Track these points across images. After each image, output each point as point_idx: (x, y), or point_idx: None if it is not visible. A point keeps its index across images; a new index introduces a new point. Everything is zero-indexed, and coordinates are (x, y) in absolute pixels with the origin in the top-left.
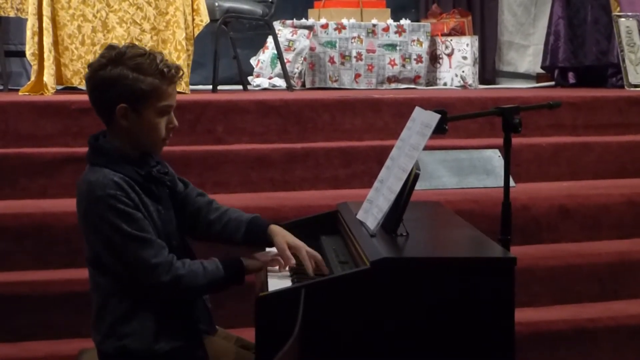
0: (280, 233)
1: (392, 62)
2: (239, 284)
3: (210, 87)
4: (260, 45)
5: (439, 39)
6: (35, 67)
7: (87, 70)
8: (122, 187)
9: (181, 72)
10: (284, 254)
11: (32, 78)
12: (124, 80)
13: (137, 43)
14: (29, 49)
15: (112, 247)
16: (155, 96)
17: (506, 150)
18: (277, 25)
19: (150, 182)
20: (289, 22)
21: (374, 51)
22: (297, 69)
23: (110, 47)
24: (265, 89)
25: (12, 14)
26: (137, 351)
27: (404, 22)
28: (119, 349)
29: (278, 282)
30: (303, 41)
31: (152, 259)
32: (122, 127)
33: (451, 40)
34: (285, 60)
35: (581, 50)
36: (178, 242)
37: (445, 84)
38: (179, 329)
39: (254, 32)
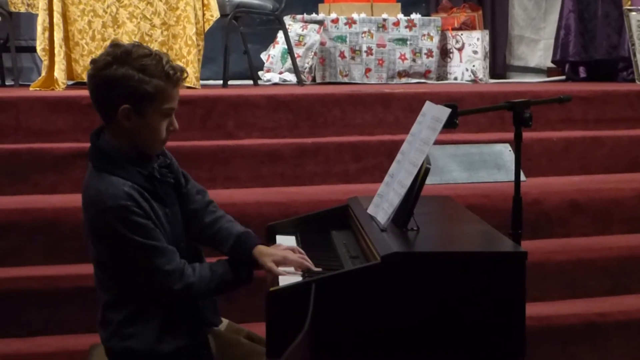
0: (264, 254)
1: (403, 57)
2: (248, 283)
3: (221, 82)
4: (270, 40)
5: (449, 34)
6: (45, 63)
7: (90, 66)
8: (132, 197)
9: (185, 74)
10: (276, 273)
11: (43, 73)
12: (129, 81)
13: (147, 38)
14: (40, 44)
15: (123, 257)
16: (160, 98)
17: (517, 145)
18: (287, 20)
19: (155, 183)
20: (299, 16)
21: (384, 46)
22: (308, 63)
23: (115, 45)
24: (275, 84)
25: (22, 10)
26: (141, 352)
27: (415, 16)
28: (123, 349)
29: (289, 276)
30: (313, 36)
31: (166, 266)
32: (123, 127)
33: (462, 34)
34: (296, 55)
35: (592, 44)
36: (186, 243)
37: (455, 79)
38: (183, 329)
39: (265, 27)
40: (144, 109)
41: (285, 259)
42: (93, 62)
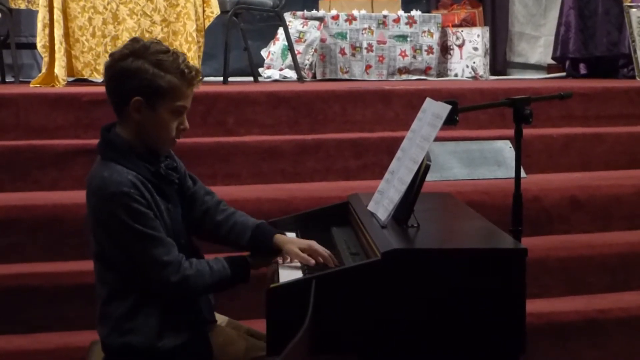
0: (288, 241)
1: (403, 53)
2: (244, 282)
3: (221, 78)
4: (270, 36)
5: (449, 30)
6: (46, 59)
7: (108, 58)
8: (136, 186)
9: (200, 76)
10: (301, 259)
11: (43, 70)
12: (143, 74)
13: (147, 35)
14: (40, 40)
15: (122, 245)
16: (172, 95)
17: (517, 141)
18: (287, 16)
19: (160, 180)
20: (299, 13)
21: (384, 42)
22: (308, 60)
23: (135, 40)
24: (276, 81)
25: (22, 6)
26: (140, 348)
27: (415, 13)
28: (123, 345)
29: (289, 273)
30: (314, 32)
31: (164, 257)
32: (133, 120)
33: (462, 31)
34: (296, 52)
35: (592, 41)
36: (186, 240)
37: (456, 75)
38: (183, 326)
39: (265, 23)
40: (155, 103)
41: (311, 247)
42: (111, 54)
